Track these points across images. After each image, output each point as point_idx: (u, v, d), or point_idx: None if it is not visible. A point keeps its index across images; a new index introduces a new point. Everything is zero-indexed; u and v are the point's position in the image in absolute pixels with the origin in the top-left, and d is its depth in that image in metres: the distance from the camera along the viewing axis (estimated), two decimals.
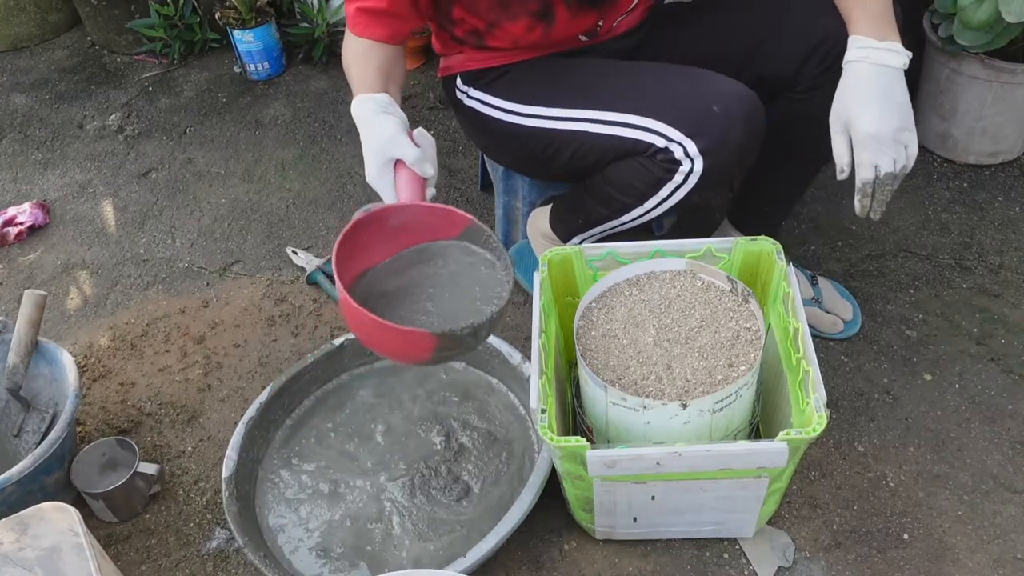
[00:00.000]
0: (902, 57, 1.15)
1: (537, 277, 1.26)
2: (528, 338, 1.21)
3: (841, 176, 1.18)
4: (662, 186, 1.28)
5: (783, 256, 1.25)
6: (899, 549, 1.29)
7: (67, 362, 1.42)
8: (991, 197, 1.83)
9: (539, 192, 1.65)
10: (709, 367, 1.13)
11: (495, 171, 1.71)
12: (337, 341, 1.51)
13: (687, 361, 1.14)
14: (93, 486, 1.39)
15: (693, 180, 1.26)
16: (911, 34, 1.27)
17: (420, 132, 1.20)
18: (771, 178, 1.49)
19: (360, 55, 1.27)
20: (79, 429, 1.55)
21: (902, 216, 1.80)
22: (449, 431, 1.45)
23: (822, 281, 1.61)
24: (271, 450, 1.45)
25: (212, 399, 1.60)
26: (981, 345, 1.54)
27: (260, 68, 2.41)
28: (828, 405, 1.13)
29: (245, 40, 2.34)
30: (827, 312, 1.58)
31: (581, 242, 1.46)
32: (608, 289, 1.24)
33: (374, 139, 1.17)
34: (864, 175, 1.15)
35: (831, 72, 1.23)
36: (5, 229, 1.98)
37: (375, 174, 1.17)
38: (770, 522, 1.32)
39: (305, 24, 2.41)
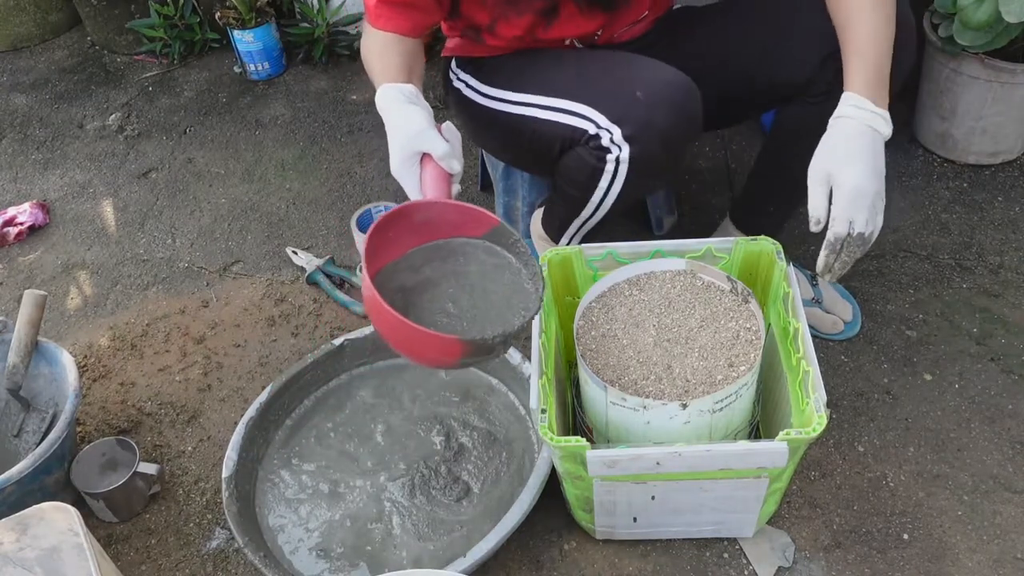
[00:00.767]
0: (889, 127, 1.13)
1: None
2: (528, 338, 1.20)
3: (816, 228, 1.13)
4: (599, 178, 1.28)
5: (783, 256, 1.25)
6: (899, 549, 1.29)
7: (67, 362, 1.42)
8: (991, 197, 1.83)
9: (539, 192, 1.65)
10: (709, 367, 1.13)
11: (495, 171, 1.71)
12: (337, 341, 1.51)
13: (687, 361, 1.14)
14: (93, 486, 1.39)
15: (623, 169, 1.25)
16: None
17: (448, 126, 1.18)
18: (778, 177, 1.48)
19: (382, 48, 1.26)
20: (79, 429, 1.55)
21: (902, 216, 1.80)
22: (449, 431, 1.45)
23: (822, 281, 1.61)
24: (271, 450, 1.45)
25: (212, 399, 1.60)
26: (981, 345, 1.54)
27: (260, 68, 2.41)
28: (828, 405, 1.13)
29: (245, 40, 2.34)
30: (827, 312, 1.58)
31: (569, 241, 1.47)
32: (608, 289, 1.24)
33: (402, 130, 1.15)
34: (838, 229, 1.11)
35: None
36: (5, 229, 1.98)
37: (400, 166, 1.15)
38: (770, 522, 1.32)
39: (305, 24, 2.41)
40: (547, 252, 1.29)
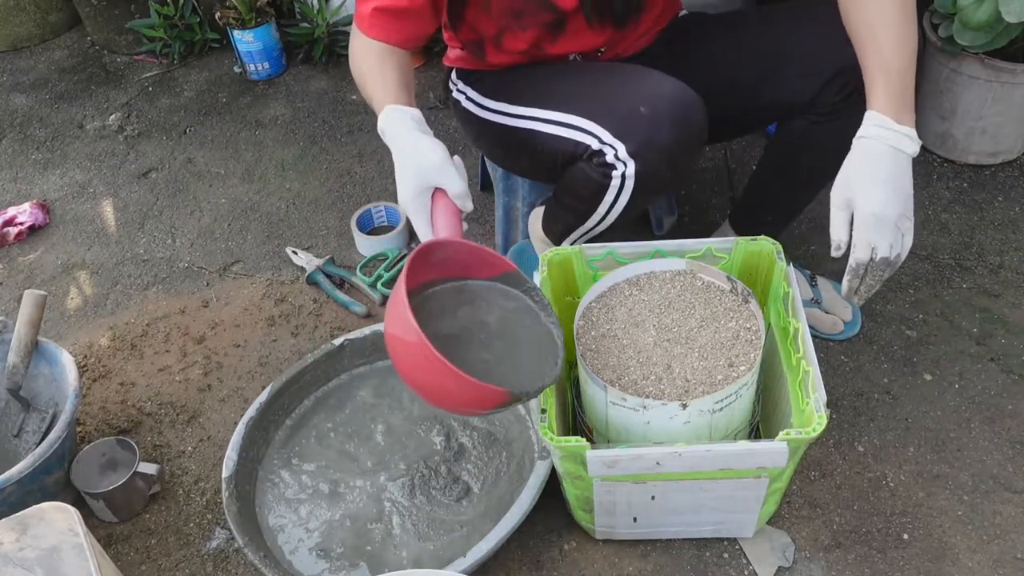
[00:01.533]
0: (915, 145, 1.09)
1: (537, 277, 1.26)
2: None
3: (836, 253, 1.11)
4: (604, 193, 1.26)
5: (783, 256, 1.25)
6: (899, 549, 1.29)
7: (67, 362, 1.42)
8: (991, 197, 1.83)
9: (539, 192, 1.65)
10: (709, 367, 1.13)
11: (495, 171, 1.71)
12: (337, 341, 1.51)
13: (687, 361, 1.14)
14: (93, 486, 1.39)
15: (629, 184, 1.23)
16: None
17: (458, 161, 1.15)
18: (777, 187, 1.48)
19: (378, 61, 1.23)
20: (79, 429, 1.55)
21: None
22: (449, 431, 1.45)
23: (821, 282, 1.61)
24: (271, 450, 1.45)
25: (212, 399, 1.60)
26: (981, 345, 1.54)
27: (260, 68, 2.41)
28: (828, 405, 1.13)
29: (245, 40, 2.34)
30: (827, 312, 1.58)
31: (572, 243, 1.46)
32: (608, 289, 1.24)
33: (416, 162, 1.12)
34: (860, 256, 1.08)
35: (850, 100, 1.21)
36: (5, 229, 1.98)
37: (410, 199, 1.12)
38: (770, 522, 1.32)
39: (305, 24, 2.41)
40: (547, 252, 1.29)
